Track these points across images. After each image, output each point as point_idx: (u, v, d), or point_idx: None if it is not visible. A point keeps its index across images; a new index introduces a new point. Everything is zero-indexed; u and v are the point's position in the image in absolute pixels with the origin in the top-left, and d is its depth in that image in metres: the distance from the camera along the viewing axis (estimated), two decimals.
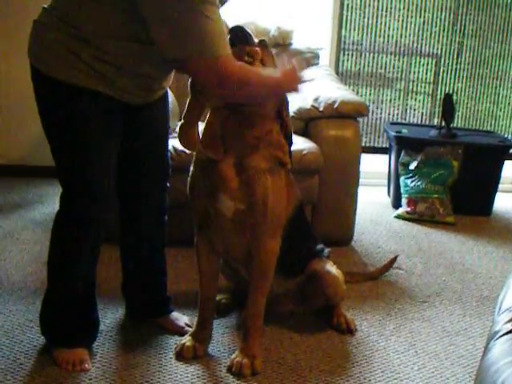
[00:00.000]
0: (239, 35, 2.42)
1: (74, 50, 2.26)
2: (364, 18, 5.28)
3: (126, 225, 2.82)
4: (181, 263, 3.41)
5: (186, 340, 2.69)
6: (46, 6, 2.35)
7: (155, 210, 2.79)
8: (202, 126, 2.55)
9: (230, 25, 2.54)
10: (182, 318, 2.90)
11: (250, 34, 2.45)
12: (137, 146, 2.62)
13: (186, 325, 2.85)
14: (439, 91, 5.53)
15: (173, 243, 3.04)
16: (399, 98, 5.60)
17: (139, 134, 2.59)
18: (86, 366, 2.54)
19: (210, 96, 2.42)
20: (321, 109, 3.85)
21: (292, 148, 3.60)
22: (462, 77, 5.50)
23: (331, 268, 2.95)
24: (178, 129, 2.46)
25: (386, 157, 5.02)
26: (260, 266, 2.60)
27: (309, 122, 3.92)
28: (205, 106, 2.48)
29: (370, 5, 5.24)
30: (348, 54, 5.36)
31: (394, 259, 3.60)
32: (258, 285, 2.63)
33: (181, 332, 2.81)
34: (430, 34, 5.41)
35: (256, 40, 2.49)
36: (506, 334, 1.67)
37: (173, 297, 2.96)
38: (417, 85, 5.63)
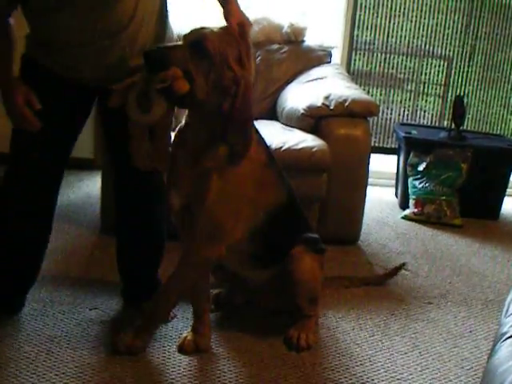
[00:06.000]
0: (152, 63, 2.28)
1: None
2: (377, 17, 5.27)
3: (121, 209, 2.86)
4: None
5: (187, 334, 2.69)
6: None
7: (148, 197, 2.78)
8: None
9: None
10: None
11: (165, 56, 2.28)
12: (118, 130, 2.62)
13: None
14: (450, 93, 5.52)
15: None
16: (409, 99, 5.59)
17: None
18: None
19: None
20: (331, 107, 3.84)
21: (301, 146, 3.67)
22: (474, 80, 5.49)
23: (308, 264, 2.76)
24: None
25: (394, 157, 5.00)
26: (181, 268, 2.56)
27: (319, 120, 3.91)
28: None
29: (383, 5, 5.23)
30: (360, 54, 5.36)
31: (400, 267, 3.55)
32: (171, 281, 2.58)
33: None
34: (443, 36, 5.39)
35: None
36: None
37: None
38: (428, 86, 5.62)
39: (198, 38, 2.33)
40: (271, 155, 2.64)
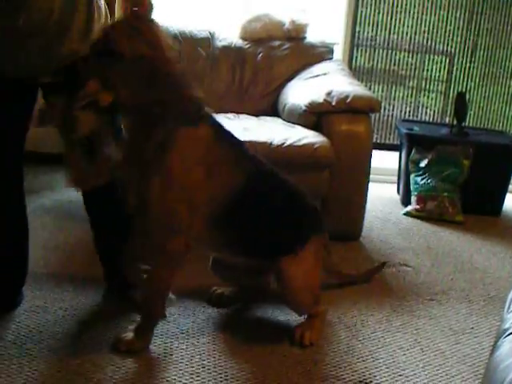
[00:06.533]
0: (67, 85, 2.24)
1: None
2: (379, 14, 5.26)
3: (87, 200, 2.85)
4: None
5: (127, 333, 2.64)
6: None
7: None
8: None
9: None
10: None
11: (77, 73, 2.22)
12: None
13: None
14: (452, 90, 5.51)
15: None
16: (411, 96, 5.58)
17: None
18: None
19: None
20: (333, 103, 3.83)
21: (303, 142, 3.66)
22: (475, 76, 5.48)
23: (300, 272, 2.68)
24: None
25: (396, 154, 5.00)
26: (156, 266, 2.55)
27: (321, 116, 3.90)
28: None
29: (384, 1, 5.22)
30: (362, 50, 5.35)
31: (382, 266, 3.49)
32: (150, 281, 2.58)
33: None
34: (445, 32, 5.38)
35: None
36: None
37: None
38: (430, 83, 5.61)
39: (102, 42, 2.26)
40: (225, 135, 2.54)
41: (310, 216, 2.81)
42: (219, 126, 2.52)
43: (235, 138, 2.57)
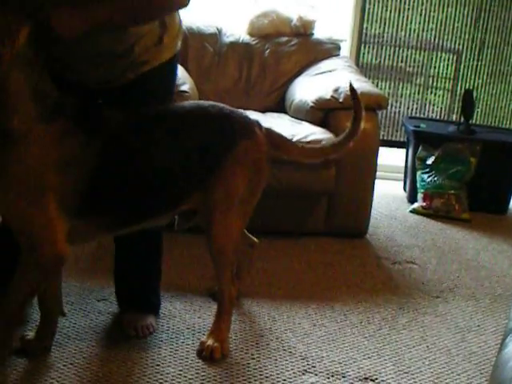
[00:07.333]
0: None
1: None
2: (386, 11, 5.24)
3: None
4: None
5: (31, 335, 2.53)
6: None
7: None
8: None
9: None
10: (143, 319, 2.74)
11: None
12: None
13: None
14: (459, 87, 5.49)
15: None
16: (418, 93, 5.57)
17: None
18: None
19: None
20: (340, 100, 3.83)
21: (310, 138, 3.65)
22: (483, 73, 5.46)
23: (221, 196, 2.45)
24: None
25: (403, 151, 4.99)
26: (23, 271, 2.24)
27: (328, 113, 3.90)
28: None
29: None
30: (369, 47, 5.33)
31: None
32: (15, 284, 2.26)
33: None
34: (452, 30, 5.36)
35: None
36: None
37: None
38: (437, 80, 5.59)
39: None
40: (82, 122, 2.20)
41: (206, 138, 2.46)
42: (77, 115, 2.20)
43: (95, 111, 2.29)
